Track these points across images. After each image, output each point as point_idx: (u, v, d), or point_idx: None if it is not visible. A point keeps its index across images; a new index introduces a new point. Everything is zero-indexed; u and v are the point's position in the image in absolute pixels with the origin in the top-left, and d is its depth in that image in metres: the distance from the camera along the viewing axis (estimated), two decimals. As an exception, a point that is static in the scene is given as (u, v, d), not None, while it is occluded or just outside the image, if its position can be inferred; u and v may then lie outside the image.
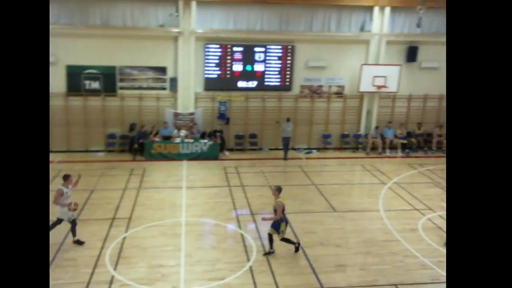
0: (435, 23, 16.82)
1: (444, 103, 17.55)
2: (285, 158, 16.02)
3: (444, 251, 9.35)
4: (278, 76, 16.69)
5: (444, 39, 16.82)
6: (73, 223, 9.08)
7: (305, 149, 17.20)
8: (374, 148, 16.86)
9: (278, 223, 8.70)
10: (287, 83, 16.79)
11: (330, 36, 16.51)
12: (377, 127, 17.06)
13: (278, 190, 8.83)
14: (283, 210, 8.70)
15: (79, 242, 9.09)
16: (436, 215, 11.24)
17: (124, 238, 9.46)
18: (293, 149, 17.02)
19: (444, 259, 9.02)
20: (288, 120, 16.12)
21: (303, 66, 16.76)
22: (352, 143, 17.42)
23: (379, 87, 16.50)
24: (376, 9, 16.34)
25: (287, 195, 12.40)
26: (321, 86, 17.03)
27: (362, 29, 16.61)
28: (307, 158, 16.33)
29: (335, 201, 12.10)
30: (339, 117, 17.35)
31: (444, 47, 17.79)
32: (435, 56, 17.10)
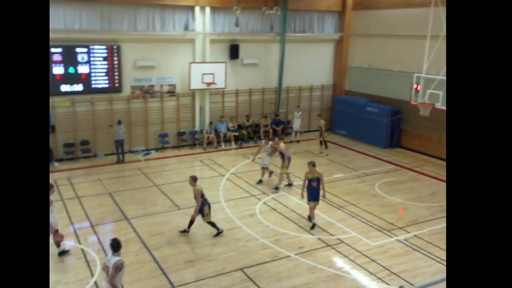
0: (251, 23, 18.31)
1: (266, 96, 19.35)
2: (120, 162, 15.51)
3: (280, 229, 10.51)
4: (106, 77, 15.94)
5: (259, 37, 18.51)
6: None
7: (143, 150, 16.92)
8: (210, 143, 17.59)
9: (202, 207, 9.73)
10: (117, 85, 16.17)
11: (156, 35, 16.47)
12: (210, 123, 17.81)
13: (193, 179, 9.75)
14: (202, 195, 9.70)
15: (64, 252, 9.06)
16: (269, 198, 12.46)
17: None
18: (131, 151, 16.57)
19: (280, 236, 10.15)
20: (119, 122, 15.55)
21: (131, 66, 16.36)
22: (189, 140, 17.81)
23: (208, 84, 17.22)
24: (197, 9, 16.91)
25: (128, 200, 12.16)
26: (152, 85, 16.90)
27: (186, 28, 17.01)
28: (146, 160, 16.11)
29: (178, 199, 12.32)
30: (174, 116, 17.53)
31: (261, 45, 19.51)
32: (254, 53, 18.65)
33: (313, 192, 10.60)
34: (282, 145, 13.33)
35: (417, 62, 14.90)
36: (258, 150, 14.11)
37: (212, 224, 10.08)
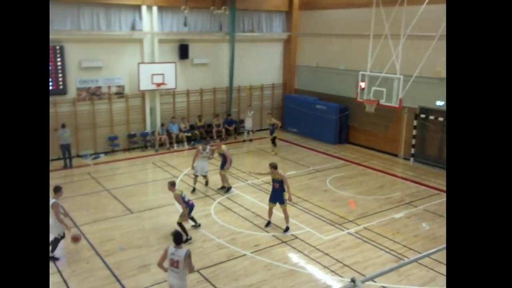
0: (200, 23, 18.20)
1: (217, 95, 19.34)
2: (67, 167, 14.94)
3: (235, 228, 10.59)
4: (49, 79, 15.27)
5: (208, 37, 18.47)
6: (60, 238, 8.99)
7: (92, 154, 16.37)
8: (162, 144, 17.34)
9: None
10: (61, 87, 15.53)
11: (101, 35, 15.97)
12: (162, 124, 17.55)
13: (171, 184, 9.85)
14: (183, 198, 9.71)
15: (54, 259, 8.87)
16: (224, 198, 12.50)
17: None
18: (78, 156, 15.99)
19: (236, 236, 10.23)
20: (63, 126, 14.93)
21: (76, 67, 15.77)
22: (140, 142, 17.45)
23: (158, 84, 16.95)
24: (144, 8, 16.59)
25: (78, 206, 11.76)
26: (99, 87, 16.39)
27: (133, 28, 16.64)
28: (95, 164, 15.61)
29: (131, 203, 12.07)
30: (123, 118, 17.09)
31: (210, 44, 19.42)
32: (204, 53, 18.58)
33: (275, 193, 10.44)
34: (223, 147, 12.92)
35: (361, 60, 15.49)
36: (195, 157, 12.70)
37: (182, 228, 9.68)
